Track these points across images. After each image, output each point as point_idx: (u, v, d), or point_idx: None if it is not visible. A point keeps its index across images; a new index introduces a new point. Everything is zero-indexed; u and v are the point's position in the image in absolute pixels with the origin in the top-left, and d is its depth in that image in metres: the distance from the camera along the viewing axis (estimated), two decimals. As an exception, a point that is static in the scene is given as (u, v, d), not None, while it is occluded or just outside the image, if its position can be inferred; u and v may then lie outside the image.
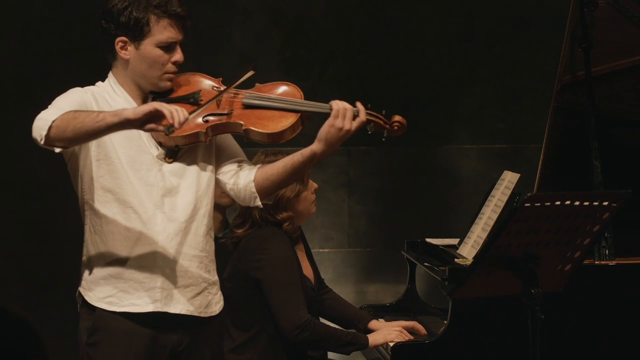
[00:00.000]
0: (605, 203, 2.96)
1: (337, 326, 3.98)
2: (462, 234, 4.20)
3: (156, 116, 2.83)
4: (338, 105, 3.13)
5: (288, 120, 3.16)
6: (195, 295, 3.18)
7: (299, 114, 3.17)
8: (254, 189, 3.19)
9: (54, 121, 2.88)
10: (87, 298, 3.16)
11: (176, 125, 2.83)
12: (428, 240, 4.43)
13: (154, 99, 3.16)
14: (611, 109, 4.12)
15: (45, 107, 3.04)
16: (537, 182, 4.08)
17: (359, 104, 3.16)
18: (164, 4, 3.11)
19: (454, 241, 4.30)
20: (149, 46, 3.12)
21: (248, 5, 5.62)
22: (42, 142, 2.91)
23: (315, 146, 3.15)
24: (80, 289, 3.19)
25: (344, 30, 5.62)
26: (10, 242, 5.45)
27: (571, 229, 2.97)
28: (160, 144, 3.16)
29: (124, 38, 3.12)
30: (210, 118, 3.15)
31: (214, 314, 3.24)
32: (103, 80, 3.23)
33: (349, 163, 5.67)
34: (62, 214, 5.37)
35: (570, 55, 4.06)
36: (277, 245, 3.78)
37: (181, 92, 3.20)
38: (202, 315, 3.20)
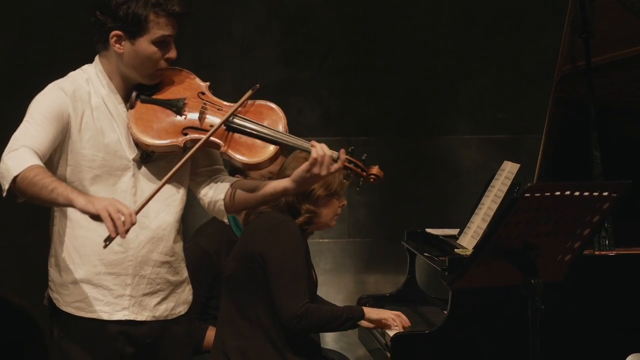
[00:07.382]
0: (605, 193, 2.95)
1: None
2: (462, 224, 4.21)
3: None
4: (317, 152, 3.03)
5: (267, 152, 3.09)
6: (162, 300, 3.18)
7: (279, 147, 3.10)
8: (222, 208, 3.19)
9: (16, 176, 2.86)
10: (55, 302, 3.14)
11: (118, 237, 2.79)
12: (428, 230, 4.44)
13: (137, 96, 3.12)
14: (611, 99, 4.12)
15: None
16: (537, 172, 4.09)
17: (342, 152, 3.07)
18: (164, 2, 3.05)
19: (454, 231, 4.31)
20: (144, 43, 3.07)
21: (248, -5, 5.62)
22: (3, 195, 2.90)
23: (289, 184, 3.10)
24: (49, 291, 3.17)
25: (344, 21, 5.60)
26: (10, 232, 5.44)
27: (571, 219, 2.97)
28: (137, 144, 3.10)
29: (119, 32, 3.07)
30: (190, 132, 3.09)
31: (181, 313, 3.24)
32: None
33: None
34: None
35: (570, 45, 4.06)
36: (289, 230, 3.74)
37: (166, 93, 3.14)
38: (169, 318, 3.21)
